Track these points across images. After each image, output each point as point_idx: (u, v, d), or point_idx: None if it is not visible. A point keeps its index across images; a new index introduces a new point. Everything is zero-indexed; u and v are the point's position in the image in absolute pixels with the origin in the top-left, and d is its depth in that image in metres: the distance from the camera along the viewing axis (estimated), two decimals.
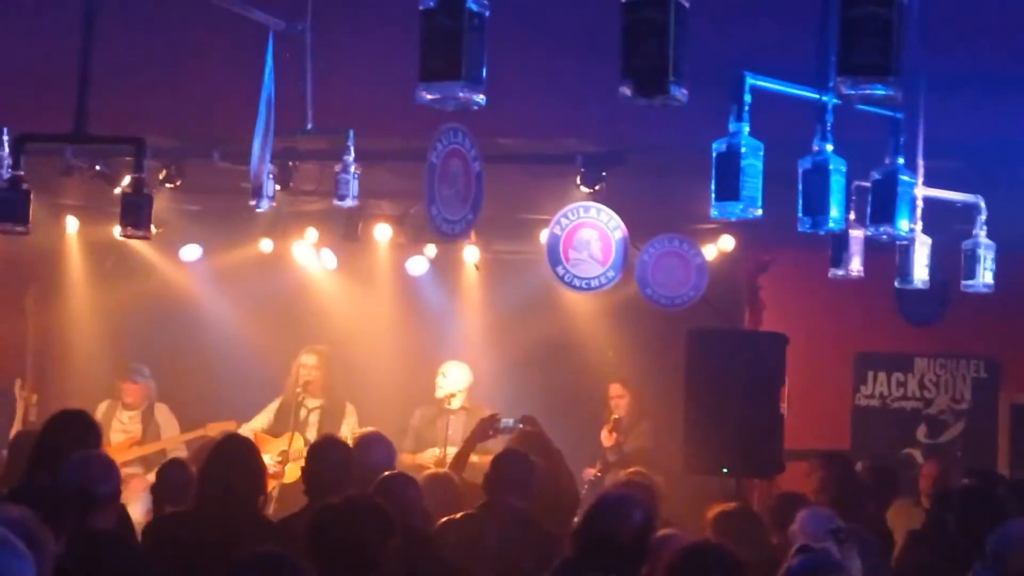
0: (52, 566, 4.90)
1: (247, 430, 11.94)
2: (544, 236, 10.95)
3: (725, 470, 9.96)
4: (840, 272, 7.67)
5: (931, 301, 11.54)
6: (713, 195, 5.67)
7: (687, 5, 4.70)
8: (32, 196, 8.09)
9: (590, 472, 11.93)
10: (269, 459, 11.13)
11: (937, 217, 7.43)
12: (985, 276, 7.99)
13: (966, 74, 7.72)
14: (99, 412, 12.41)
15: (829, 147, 5.93)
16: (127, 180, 8.44)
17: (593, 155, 10.47)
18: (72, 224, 13.25)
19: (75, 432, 7.61)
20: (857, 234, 7.43)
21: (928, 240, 7.44)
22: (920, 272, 7.49)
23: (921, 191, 7.05)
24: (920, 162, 7.03)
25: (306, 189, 10.87)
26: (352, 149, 8.24)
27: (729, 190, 5.62)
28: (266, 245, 13.18)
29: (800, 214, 6.01)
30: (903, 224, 6.55)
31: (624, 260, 10.69)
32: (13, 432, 11.95)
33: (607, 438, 12.17)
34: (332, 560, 5.68)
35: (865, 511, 9.30)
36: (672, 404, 10.83)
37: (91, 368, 13.70)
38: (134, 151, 7.96)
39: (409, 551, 6.24)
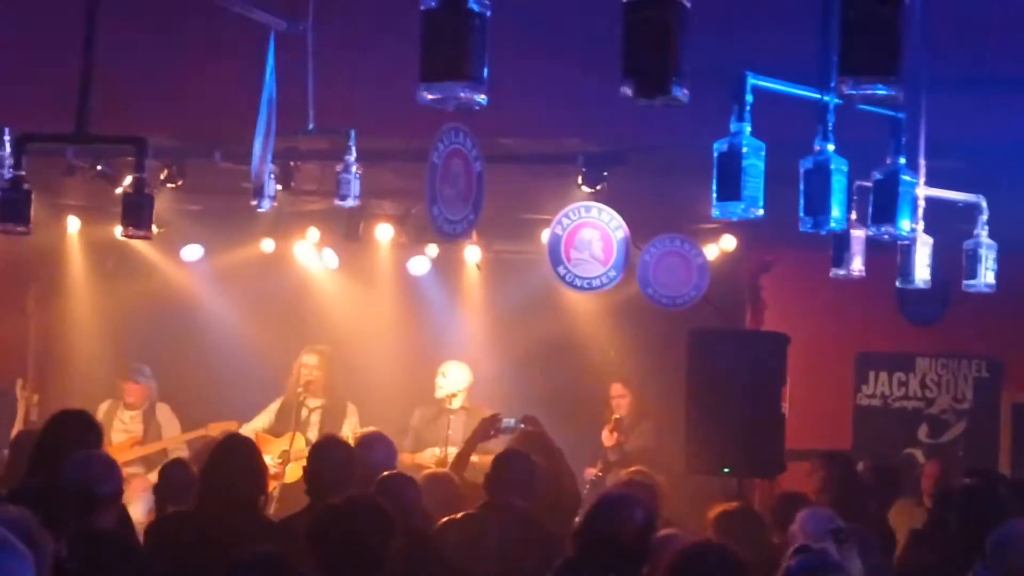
0: (52, 566, 4.90)
1: (248, 430, 11.94)
2: (545, 236, 10.94)
3: (726, 470, 9.96)
4: (841, 272, 7.66)
5: (932, 301, 11.54)
6: (714, 195, 5.67)
7: (688, 5, 4.69)
8: (33, 196, 8.09)
9: (591, 472, 11.93)
10: (270, 459, 11.14)
11: (939, 217, 7.43)
12: (987, 276, 7.99)
13: (968, 74, 7.71)
14: (100, 412, 12.42)
15: (830, 147, 5.93)
16: (128, 180, 8.44)
17: (594, 155, 10.47)
18: (73, 224, 13.27)
19: (76, 432, 7.62)
20: (858, 234, 7.43)
21: (929, 240, 7.44)
22: (921, 272, 7.49)
23: (923, 191, 7.05)
24: (922, 162, 7.03)
25: (307, 189, 10.87)
26: (353, 149, 8.24)
27: (731, 190, 5.62)
28: (267, 245, 13.18)
29: (801, 214, 6.01)
30: (904, 224, 6.54)
31: (625, 260, 10.69)
32: (14, 432, 11.96)
33: (608, 438, 12.17)
34: (334, 560, 5.68)
35: (866, 511, 9.30)
36: (673, 404, 10.84)
37: (92, 368, 13.70)
38: (135, 151, 7.95)
39: (409, 551, 6.25)
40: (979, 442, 13.60)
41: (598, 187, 10.55)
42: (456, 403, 12.12)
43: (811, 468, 9.55)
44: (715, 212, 5.72)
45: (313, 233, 12.90)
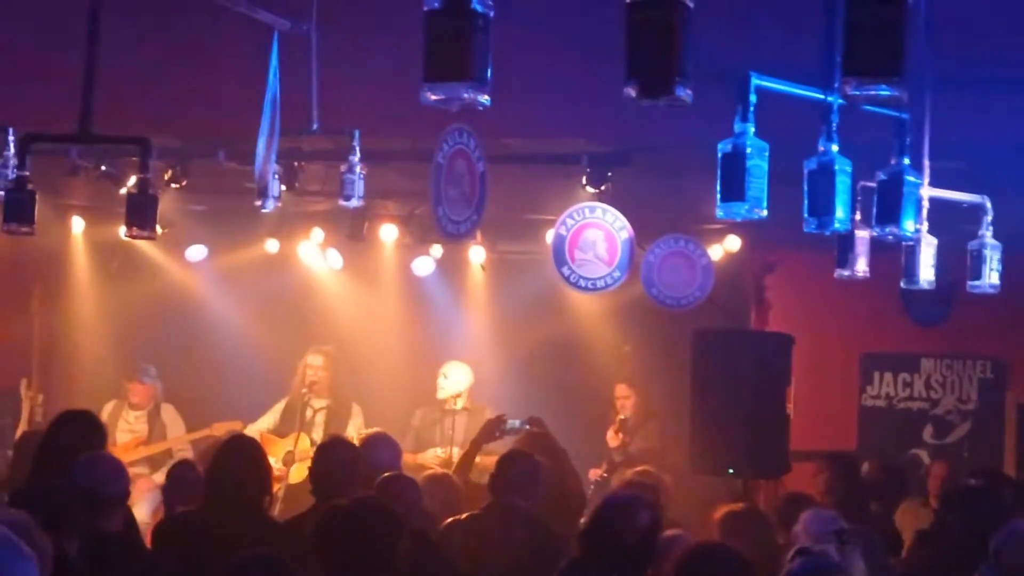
0: (58, 568, 4.90)
1: (253, 431, 11.95)
2: (550, 236, 10.93)
3: (731, 471, 9.95)
4: (846, 272, 7.66)
5: (937, 302, 11.53)
6: (719, 195, 5.67)
7: (692, 5, 4.69)
8: (38, 196, 8.10)
9: (596, 473, 11.93)
10: (275, 460, 11.15)
11: (943, 218, 7.42)
12: (991, 276, 7.98)
13: (972, 74, 7.70)
14: (105, 412, 12.43)
15: (835, 148, 5.93)
16: (132, 180, 8.44)
17: (599, 155, 10.47)
18: (78, 224, 13.27)
19: (80, 432, 7.63)
20: (863, 234, 7.43)
21: (934, 240, 7.43)
22: (926, 272, 7.48)
23: (927, 191, 7.03)
24: (926, 162, 7.01)
25: (312, 189, 10.88)
26: (358, 149, 8.25)
27: (734, 190, 5.62)
28: (272, 245, 13.19)
29: (806, 214, 6.01)
30: (909, 225, 6.53)
31: (630, 260, 10.68)
32: (19, 432, 11.98)
33: (613, 439, 12.17)
34: (341, 561, 5.68)
35: (871, 511, 9.30)
36: (678, 405, 10.83)
37: (97, 368, 13.71)
38: (139, 151, 7.95)
39: (414, 552, 6.24)
40: (984, 443, 13.59)
41: (602, 188, 10.55)
42: (458, 404, 12.13)
43: (815, 469, 9.55)
44: (719, 213, 5.72)
45: (317, 233, 12.91)
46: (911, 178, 6.53)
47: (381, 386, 13.10)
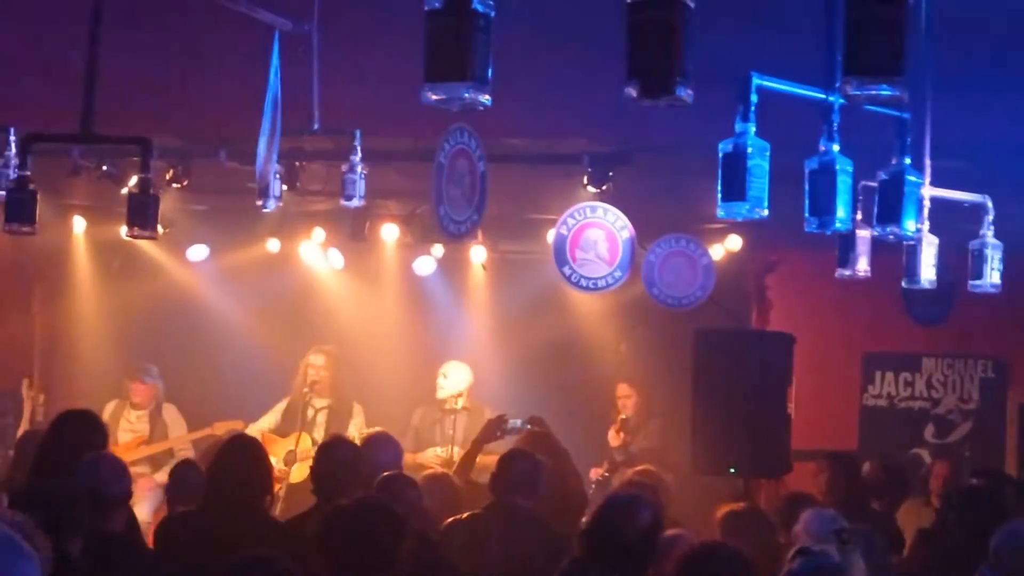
0: (62, 568, 4.91)
1: (254, 430, 11.96)
2: (551, 236, 10.94)
3: (732, 470, 9.95)
4: (847, 272, 7.66)
5: (938, 301, 11.52)
6: (720, 195, 5.67)
7: (692, 5, 4.69)
8: (39, 196, 8.10)
9: (597, 472, 11.93)
10: (276, 459, 11.16)
11: (944, 217, 7.42)
12: (992, 276, 7.98)
13: (973, 74, 7.71)
14: (107, 411, 12.44)
15: (836, 147, 5.93)
16: (134, 180, 8.44)
17: (600, 155, 10.47)
18: (79, 224, 13.27)
19: (80, 432, 7.63)
20: (864, 234, 7.43)
21: (935, 240, 7.43)
22: (927, 272, 7.48)
23: (928, 191, 7.04)
24: (927, 162, 7.02)
25: (313, 189, 10.88)
26: (359, 149, 8.25)
27: (735, 190, 5.62)
28: (273, 245, 13.19)
29: (807, 214, 6.00)
30: (910, 224, 6.53)
31: (631, 260, 10.69)
32: (20, 432, 11.98)
33: (614, 438, 12.16)
34: (344, 561, 5.69)
35: (873, 511, 9.30)
36: (679, 404, 10.83)
37: (98, 368, 13.70)
38: (141, 151, 7.95)
39: (415, 551, 6.25)
40: (985, 442, 13.59)
41: (603, 187, 10.56)
42: (458, 404, 12.13)
43: (816, 469, 9.56)
44: (720, 212, 5.72)
45: (319, 233, 12.91)
46: (912, 178, 6.53)
47: (382, 386, 13.10)
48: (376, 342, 13.58)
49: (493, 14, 4.67)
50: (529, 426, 9.61)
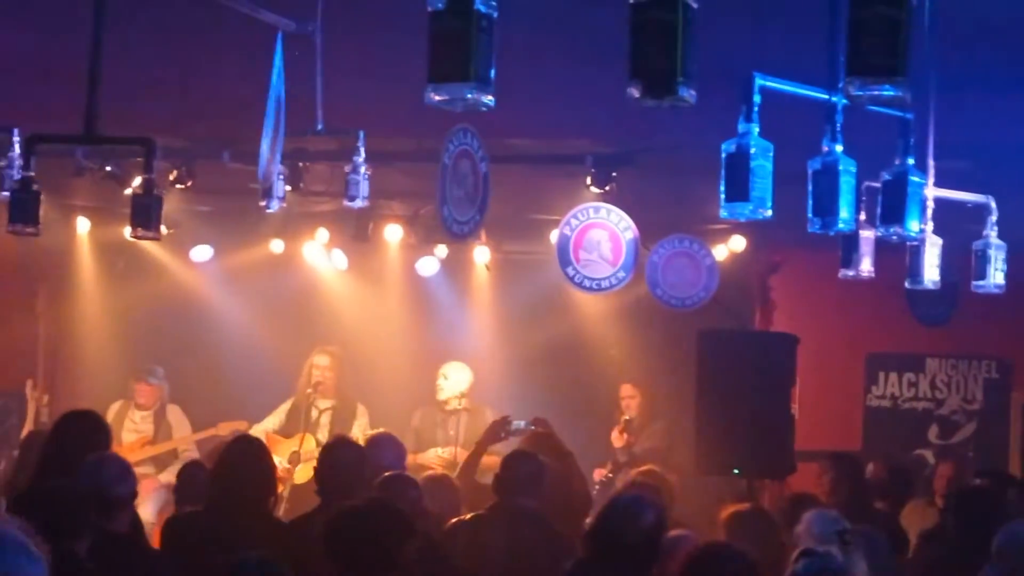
0: (67, 569, 4.91)
1: (259, 431, 11.97)
2: (554, 237, 10.94)
3: (736, 471, 9.94)
4: (850, 273, 7.66)
5: (942, 302, 11.53)
6: (723, 196, 5.66)
7: (695, 6, 4.69)
8: (43, 197, 8.10)
9: (601, 473, 11.93)
10: (280, 460, 11.17)
11: (948, 218, 7.42)
12: (996, 276, 7.97)
13: (976, 74, 7.71)
14: (111, 412, 12.46)
15: (839, 148, 5.92)
16: (138, 181, 8.45)
17: (603, 156, 10.47)
18: (83, 225, 13.28)
19: (84, 432, 7.63)
20: (867, 235, 7.43)
21: (939, 241, 7.43)
22: (931, 273, 7.48)
23: (931, 192, 7.04)
24: (930, 162, 7.02)
25: (316, 190, 10.88)
26: (362, 150, 8.24)
27: (739, 191, 5.61)
28: (277, 246, 13.20)
29: (810, 215, 6.00)
30: (913, 225, 6.53)
31: (634, 261, 10.69)
32: (24, 432, 11.99)
33: (618, 439, 12.16)
34: (350, 561, 5.69)
35: (876, 511, 9.30)
36: (683, 405, 10.83)
37: (102, 369, 13.72)
38: (144, 152, 7.95)
39: (418, 552, 6.25)
40: (989, 443, 13.59)
41: (607, 188, 10.56)
42: (459, 404, 12.14)
43: (820, 469, 9.55)
44: (723, 213, 5.72)
45: (322, 234, 12.92)
46: (915, 178, 6.53)
47: (386, 386, 13.10)
48: (380, 343, 13.59)
49: (496, 15, 4.67)
50: (533, 427, 9.61)
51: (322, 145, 9.63)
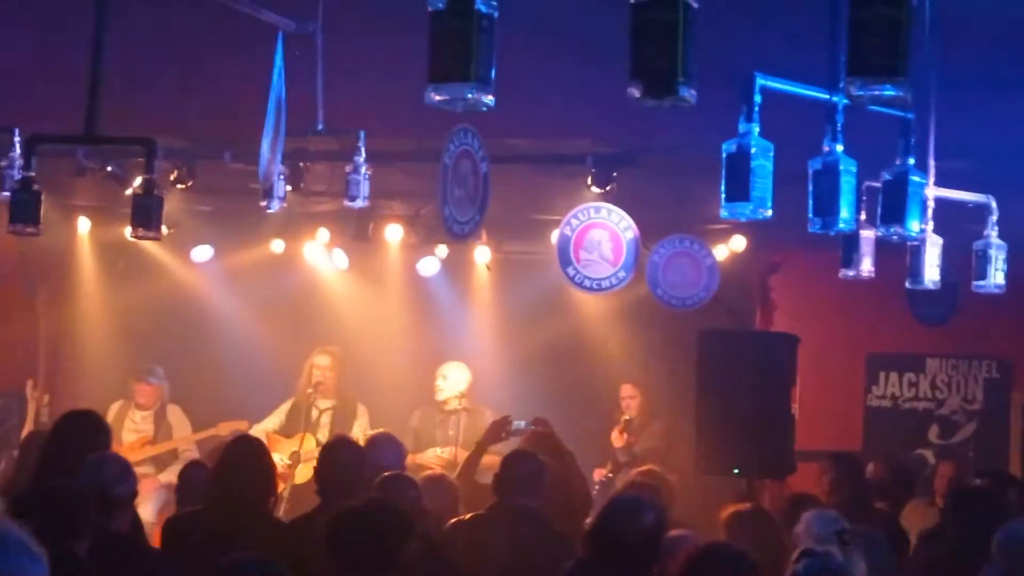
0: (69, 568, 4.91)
1: (259, 431, 11.97)
2: (555, 237, 10.94)
3: (736, 471, 9.94)
4: (851, 272, 7.66)
5: (942, 301, 11.52)
6: (723, 196, 5.66)
7: (696, 5, 4.69)
8: (44, 197, 8.11)
9: (601, 473, 11.93)
10: (280, 460, 11.17)
11: (948, 217, 7.42)
12: (996, 276, 7.97)
13: (977, 74, 7.71)
14: (112, 412, 12.46)
15: (839, 148, 5.92)
16: (138, 181, 8.45)
17: (604, 156, 10.47)
18: (84, 225, 13.27)
19: (84, 432, 7.63)
20: (868, 235, 7.43)
21: (939, 240, 7.43)
22: (931, 272, 7.48)
23: (932, 191, 7.05)
24: (931, 162, 7.03)
25: (317, 190, 10.88)
26: (363, 150, 8.26)
27: (739, 191, 5.61)
28: (277, 246, 13.19)
29: (810, 215, 6.00)
30: (914, 225, 6.54)
31: (635, 261, 10.69)
32: (25, 433, 11.99)
33: (618, 439, 12.15)
34: (351, 561, 5.69)
35: (877, 511, 9.29)
36: (683, 405, 10.82)
37: (102, 368, 13.71)
38: (145, 152, 7.96)
39: (416, 552, 6.25)
40: (989, 443, 13.57)
41: (607, 188, 10.55)
42: (458, 404, 12.14)
43: (820, 469, 9.54)
44: (724, 213, 5.72)
45: (323, 234, 12.91)
46: (916, 178, 6.54)
47: (386, 386, 13.10)
48: (380, 343, 13.58)
49: (496, 14, 4.67)
50: (533, 427, 9.61)
51: (323, 145, 9.63)
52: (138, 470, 8.93)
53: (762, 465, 10.01)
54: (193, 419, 12.92)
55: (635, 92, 4.68)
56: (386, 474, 7.52)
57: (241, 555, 5.21)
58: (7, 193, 8.30)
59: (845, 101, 5.68)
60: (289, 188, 9.10)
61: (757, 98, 5.71)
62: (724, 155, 5.66)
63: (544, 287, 12.59)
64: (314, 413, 12.44)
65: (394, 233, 12.72)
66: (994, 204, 7.99)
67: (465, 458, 10.04)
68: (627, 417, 12.29)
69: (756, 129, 5.67)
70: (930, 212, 7.11)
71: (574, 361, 13.36)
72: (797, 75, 5.94)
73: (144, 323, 13.69)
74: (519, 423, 9.78)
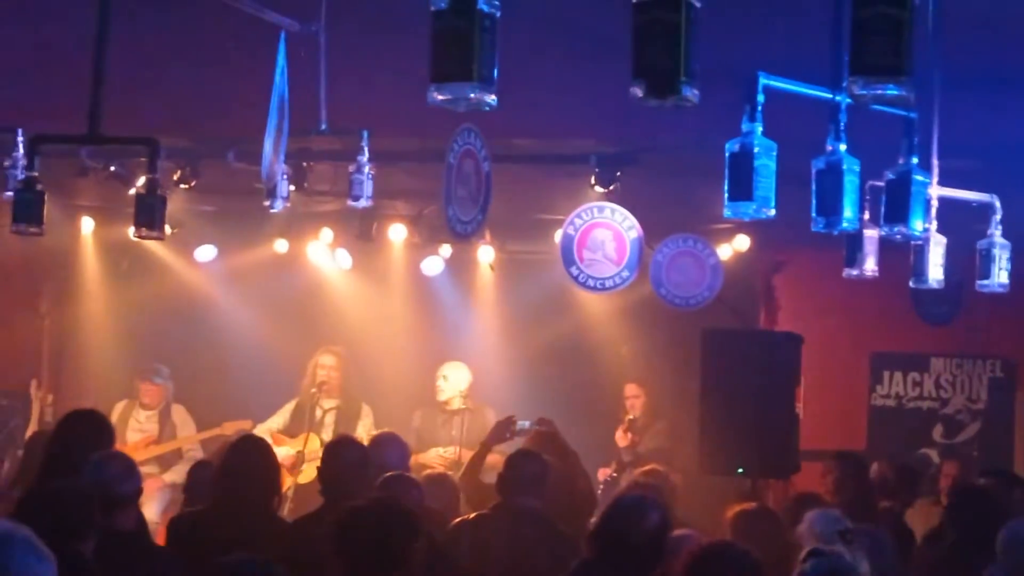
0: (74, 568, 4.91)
1: (263, 430, 11.96)
2: (558, 236, 10.94)
3: (741, 471, 9.94)
4: (855, 272, 7.65)
5: (946, 301, 11.53)
6: (726, 195, 5.66)
7: (699, 5, 4.68)
8: (47, 197, 8.11)
9: (605, 472, 11.93)
10: (287, 452, 11.20)
11: (952, 217, 7.41)
12: (1000, 276, 7.96)
13: (980, 73, 7.70)
14: (116, 412, 12.47)
15: (843, 147, 5.92)
16: (142, 181, 8.45)
17: (607, 155, 10.47)
18: (87, 225, 13.30)
19: (87, 432, 7.63)
20: (871, 234, 7.41)
21: (943, 240, 7.42)
22: (935, 272, 7.47)
23: (935, 191, 7.04)
24: (935, 162, 7.02)
25: (320, 189, 10.89)
26: (366, 149, 8.26)
27: (742, 190, 5.61)
28: (281, 245, 13.20)
29: (814, 214, 6.00)
30: (917, 224, 6.54)
31: (639, 260, 10.69)
32: (29, 432, 12.00)
33: (622, 438, 12.15)
34: (358, 561, 5.68)
35: (881, 511, 9.29)
36: (687, 404, 10.82)
37: (106, 368, 13.72)
38: (148, 152, 7.96)
39: (421, 552, 6.25)
40: (994, 442, 13.56)
41: (611, 187, 10.55)
42: (461, 404, 12.14)
43: (825, 469, 9.53)
44: (727, 212, 5.72)
45: (326, 234, 12.92)
46: (920, 177, 6.54)
47: (390, 386, 13.11)
48: (384, 342, 13.59)
49: (499, 14, 4.67)
50: (537, 427, 9.60)
51: (326, 145, 9.63)
52: (142, 470, 8.93)
53: (766, 465, 10.01)
54: (197, 419, 12.93)
55: (638, 92, 4.68)
56: (388, 474, 7.52)
57: (241, 555, 5.21)
58: (10, 193, 8.29)
59: (848, 100, 5.67)
60: (292, 188, 9.10)
61: (760, 97, 5.70)
62: (727, 155, 5.66)
63: (548, 287, 12.59)
64: (318, 413, 12.45)
65: (398, 233, 12.72)
66: (998, 203, 7.98)
67: (469, 458, 10.04)
68: (631, 417, 12.30)
69: (759, 128, 5.67)
70: (934, 211, 7.10)
71: (578, 361, 13.36)
72: (800, 74, 5.93)
73: (148, 323, 13.71)
74: (523, 423, 9.77)
